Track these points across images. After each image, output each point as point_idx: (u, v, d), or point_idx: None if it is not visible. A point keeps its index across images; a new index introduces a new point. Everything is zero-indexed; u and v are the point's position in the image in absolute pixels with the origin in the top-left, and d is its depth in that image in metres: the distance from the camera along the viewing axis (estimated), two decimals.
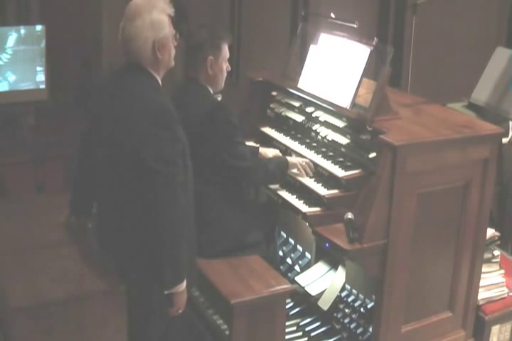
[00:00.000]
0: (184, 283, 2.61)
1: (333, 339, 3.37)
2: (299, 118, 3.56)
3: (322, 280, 3.43)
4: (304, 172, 3.23)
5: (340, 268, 3.39)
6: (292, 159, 3.28)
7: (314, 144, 3.41)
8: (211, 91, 3.21)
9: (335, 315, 3.37)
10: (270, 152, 3.43)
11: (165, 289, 2.58)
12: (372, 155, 3.03)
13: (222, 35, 3.20)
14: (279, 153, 3.45)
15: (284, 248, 3.71)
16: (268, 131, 3.68)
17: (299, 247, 3.63)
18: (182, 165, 2.57)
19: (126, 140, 2.52)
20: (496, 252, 3.41)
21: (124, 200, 2.61)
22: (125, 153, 2.53)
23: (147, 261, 2.60)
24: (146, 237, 2.56)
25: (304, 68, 3.50)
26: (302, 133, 3.53)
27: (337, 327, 3.37)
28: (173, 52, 2.64)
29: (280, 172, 3.22)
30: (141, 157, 2.47)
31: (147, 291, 2.67)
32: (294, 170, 3.24)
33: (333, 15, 3.36)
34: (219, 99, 3.24)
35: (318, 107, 3.42)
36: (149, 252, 2.57)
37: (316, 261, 3.52)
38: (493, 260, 3.41)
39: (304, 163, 3.25)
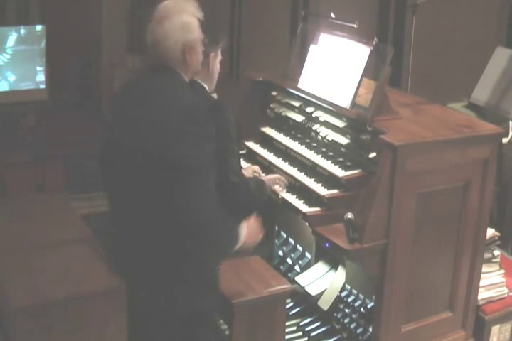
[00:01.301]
0: (241, 236, 2.56)
1: (333, 339, 3.37)
2: (299, 118, 3.56)
3: (322, 280, 3.43)
4: (281, 188, 3.20)
5: (340, 268, 3.39)
6: (265, 178, 3.23)
7: (314, 144, 3.41)
8: (207, 90, 3.21)
9: (335, 315, 3.37)
10: (248, 171, 3.36)
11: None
12: (372, 155, 3.03)
13: (221, 35, 3.21)
14: (258, 169, 3.40)
15: (284, 248, 3.71)
16: (268, 131, 3.68)
17: (299, 247, 3.63)
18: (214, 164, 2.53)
19: (158, 139, 2.44)
20: (496, 252, 3.41)
21: (151, 202, 2.50)
22: (155, 154, 2.44)
23: (175, 267, 2.54)
24: (175, 240, 2.49)
25: (304, 68, 3.50)
26: (302, 133, 3.53)
27: (337, 327, 3.37)
28: (200, 56, 2.61)
29: (258, 193, 3.12)
30: (174, 155, 2.41)
31: (172, 300, 2.60)
32: (277, 187, 3.22)
33: (333, 15, 3.36)
34: (215, 97, 3.24)
35: (318, 107, 3.43)
36: (178, 255, 2.52)
37: (316, 261, 3.52)
38: (493, 260, 3.41)
39: (277, 181, 3.21)
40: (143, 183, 2.49)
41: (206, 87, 3.20)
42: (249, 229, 2.63)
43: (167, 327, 2.64)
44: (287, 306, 3.30)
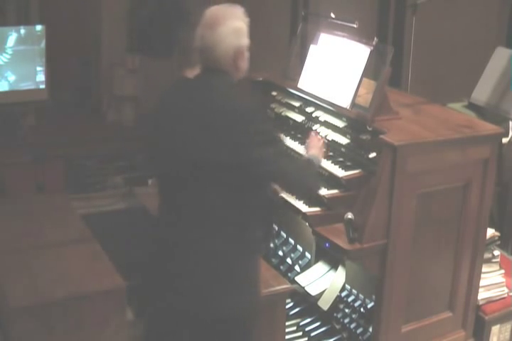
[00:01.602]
0: (317, 162, 2.79)
1: (333, 339, 3.37)
2: (299, 118, 3.55)
3: (322, 280, 3.43)
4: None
5: (340, 268, 3.39)
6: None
7: None
8: None
9: (335, 315, 3.37)
10: None
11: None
12: (372, 155, 3.02)
13: None
14: None
15: (284, 248, 3.71)
16: None
17: (299, 247, 3.63)
18: None
19: (222, 145, 2.39)
20: (496, 252, 3.41)
21: (218, 197, 2.45)
22: (225, 160, 2.40)
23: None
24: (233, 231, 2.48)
25: (304, 68, 3.50)
26: (302, 133, 3.52)
27: (337, 327, 3.37)
28: (247, 61, 2.63)
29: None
30: (243, 157, 2.40)
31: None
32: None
33: (333, 15, 3.36)
34: None
35: (318, 107, 3.42)
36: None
37: (316, 261, 3.52)
38: (493, 260, 3.41)
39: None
40: (208, 182, 2.44)
41: None
42: (315, 151, 2.87)
43: (204, 333, 2.56)
44: (287, 306, 3.30)
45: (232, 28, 2.50)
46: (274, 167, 2.46)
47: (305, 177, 2.64)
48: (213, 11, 2.54)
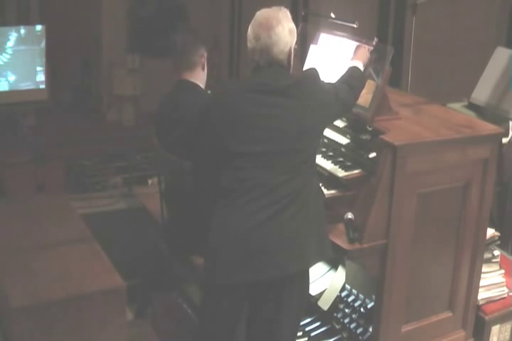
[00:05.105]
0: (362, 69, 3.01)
1: (333, 339, 3.37)
2: None
3: (322, 280, 3.43)
4: None
5: (340, 268, 3.39)
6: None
7: None
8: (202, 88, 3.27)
9: (335, 315, 3.37)
10: None
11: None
12: (372, 155, 3.02)
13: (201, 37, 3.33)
14: None
15: None
16: None
17: None
18: None
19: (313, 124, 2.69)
20: (496, 252, 3.41)
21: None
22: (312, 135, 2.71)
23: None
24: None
25: (304, 68, 3.49)
26: None
27: (337, 327, 3.37)
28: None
29: None
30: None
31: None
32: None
33: (333, 15, 3.36)
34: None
35: None
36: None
37: None
38: (493, 260, 3.41)
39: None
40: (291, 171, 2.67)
41: (201, 85, 3.25)
42: (362, 57, 3.05)
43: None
44: None
45: (288, 28, 2.69)
46: (348, 100, 2.85)
47: (359, 88, 2.97)
48: (266, 13, 2.73)
